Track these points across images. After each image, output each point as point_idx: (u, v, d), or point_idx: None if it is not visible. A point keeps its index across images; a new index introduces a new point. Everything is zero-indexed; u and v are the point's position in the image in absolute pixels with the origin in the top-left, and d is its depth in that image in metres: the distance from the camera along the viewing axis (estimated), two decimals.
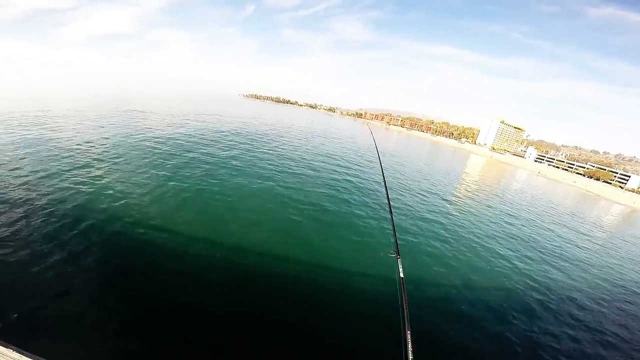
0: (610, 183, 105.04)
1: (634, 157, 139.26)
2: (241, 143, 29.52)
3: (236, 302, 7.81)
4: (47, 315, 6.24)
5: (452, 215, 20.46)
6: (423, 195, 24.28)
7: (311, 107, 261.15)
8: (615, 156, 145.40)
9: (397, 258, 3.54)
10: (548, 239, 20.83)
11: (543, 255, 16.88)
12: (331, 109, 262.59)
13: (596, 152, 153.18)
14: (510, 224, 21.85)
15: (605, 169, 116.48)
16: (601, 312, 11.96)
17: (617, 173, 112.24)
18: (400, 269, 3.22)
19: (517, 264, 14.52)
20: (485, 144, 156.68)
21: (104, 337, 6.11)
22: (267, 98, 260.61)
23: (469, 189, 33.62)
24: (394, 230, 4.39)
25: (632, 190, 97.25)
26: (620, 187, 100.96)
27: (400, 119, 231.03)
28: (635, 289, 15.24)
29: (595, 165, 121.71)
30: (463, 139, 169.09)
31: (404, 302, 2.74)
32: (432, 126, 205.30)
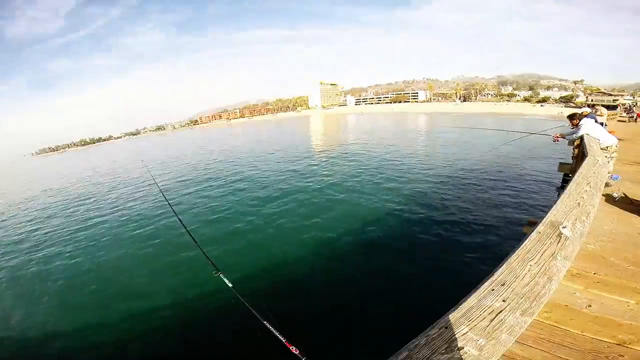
0: (409, 102, 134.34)
1: (413, 79, 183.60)
2: None
3: None
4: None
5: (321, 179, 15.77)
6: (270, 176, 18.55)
7: (133, 134, 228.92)
8: (403, 82, 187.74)
9: (219, 274, 2.92)
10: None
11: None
12: (160, 127, 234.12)
13: (390, 84, 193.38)
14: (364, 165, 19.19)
15: (401, 93, 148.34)
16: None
17: (409, 94, 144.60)
18: (228, 282, 2.77)
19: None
20: (317, 106, 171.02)
21: None
22: (71, 145, 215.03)
23: (320, 148, 31.27)
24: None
25: (423, 102, 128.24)
26: (416, 102, 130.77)
27: (239, 111, 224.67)
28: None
29: (394, 93, 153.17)
30: (299, 108, 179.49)
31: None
32: (269, 107, 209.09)
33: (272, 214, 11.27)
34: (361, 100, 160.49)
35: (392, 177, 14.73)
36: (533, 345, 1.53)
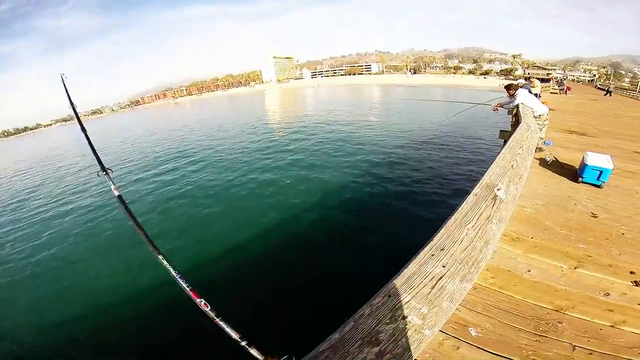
0: (363, 74, 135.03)
1: (366, 52, 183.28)
2: None
3: None
4: None
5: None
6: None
7: (65, 120, 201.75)
8: (357, 55, 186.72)
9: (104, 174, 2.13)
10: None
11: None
12: (97, 111, 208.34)
13: (344, 56, 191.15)
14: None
15: (355, 66, 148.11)
16: None
17: (363, 66, 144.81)
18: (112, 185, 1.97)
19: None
20: (271, 80, 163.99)
21: None
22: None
23: (276, 121, 30.66)
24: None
25: (376, 74, 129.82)
26: (369, 74, 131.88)
27: (185, 89, 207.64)
28: None
29: (349, 66, 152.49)
30: (252, 83, 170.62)
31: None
32: (219, 83, 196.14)
33: (230, 195, 10.82)
34: (317, 73, 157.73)
35: (350, 150, 14.89)
36: (482, 312, 1.56)
